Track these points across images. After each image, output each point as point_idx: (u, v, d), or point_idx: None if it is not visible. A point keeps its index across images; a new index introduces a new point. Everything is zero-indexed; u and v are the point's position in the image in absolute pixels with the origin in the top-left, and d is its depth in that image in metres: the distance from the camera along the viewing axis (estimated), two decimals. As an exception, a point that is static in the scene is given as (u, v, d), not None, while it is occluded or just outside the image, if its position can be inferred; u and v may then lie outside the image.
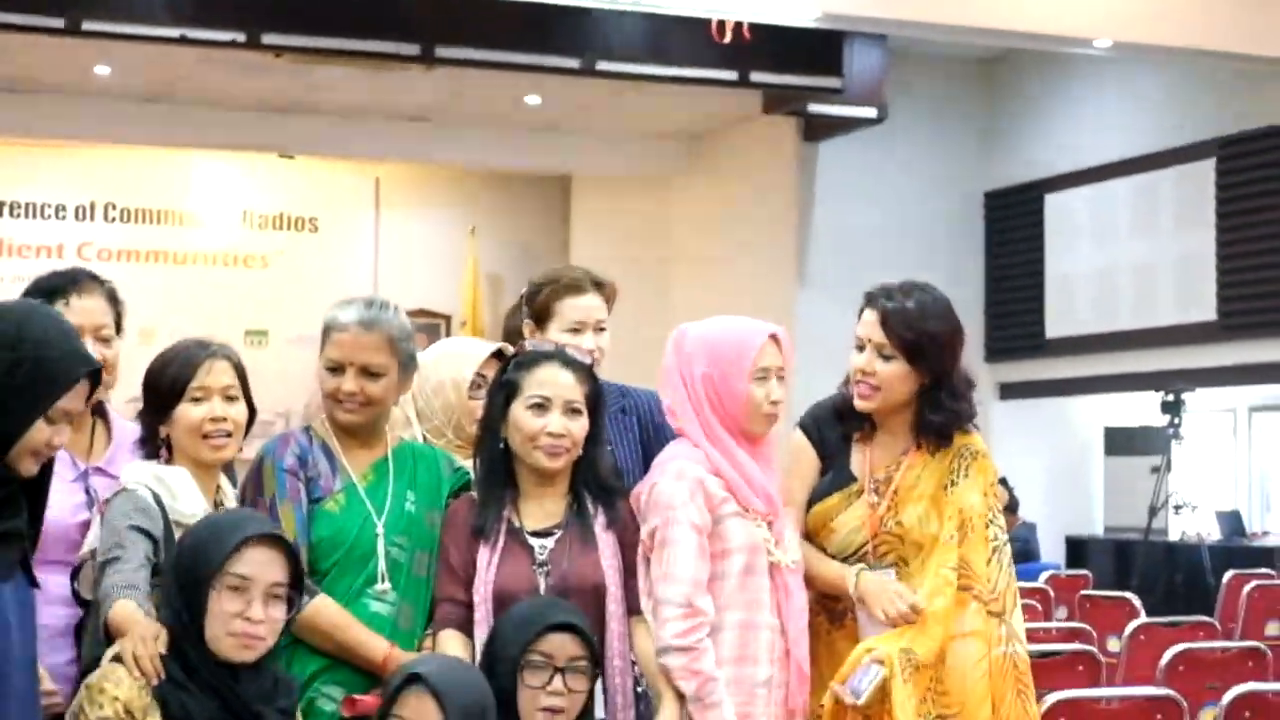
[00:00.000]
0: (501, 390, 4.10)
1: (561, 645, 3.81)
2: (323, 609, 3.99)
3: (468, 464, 4.29)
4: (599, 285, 4.68)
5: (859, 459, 4.33)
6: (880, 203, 14.46)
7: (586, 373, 4.14)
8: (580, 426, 4.07)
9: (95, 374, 3.30)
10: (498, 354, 4.51)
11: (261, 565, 3.54)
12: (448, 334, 14.97)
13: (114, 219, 15.40)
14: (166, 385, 3.94)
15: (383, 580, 4.08)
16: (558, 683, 3.80)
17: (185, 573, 3.52)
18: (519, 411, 4.06)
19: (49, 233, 15.09)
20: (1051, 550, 13.96)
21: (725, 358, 4.14)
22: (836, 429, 4.37)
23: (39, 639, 3.74)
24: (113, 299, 4.15)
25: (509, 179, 16.37)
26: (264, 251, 15.86)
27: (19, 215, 15.33)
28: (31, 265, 14.03)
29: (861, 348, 4.26)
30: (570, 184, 16.41)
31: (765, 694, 4.07)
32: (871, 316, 4.25)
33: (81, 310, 4.06)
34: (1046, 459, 14.38)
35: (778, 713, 4.10)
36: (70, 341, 3.29)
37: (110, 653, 3.52)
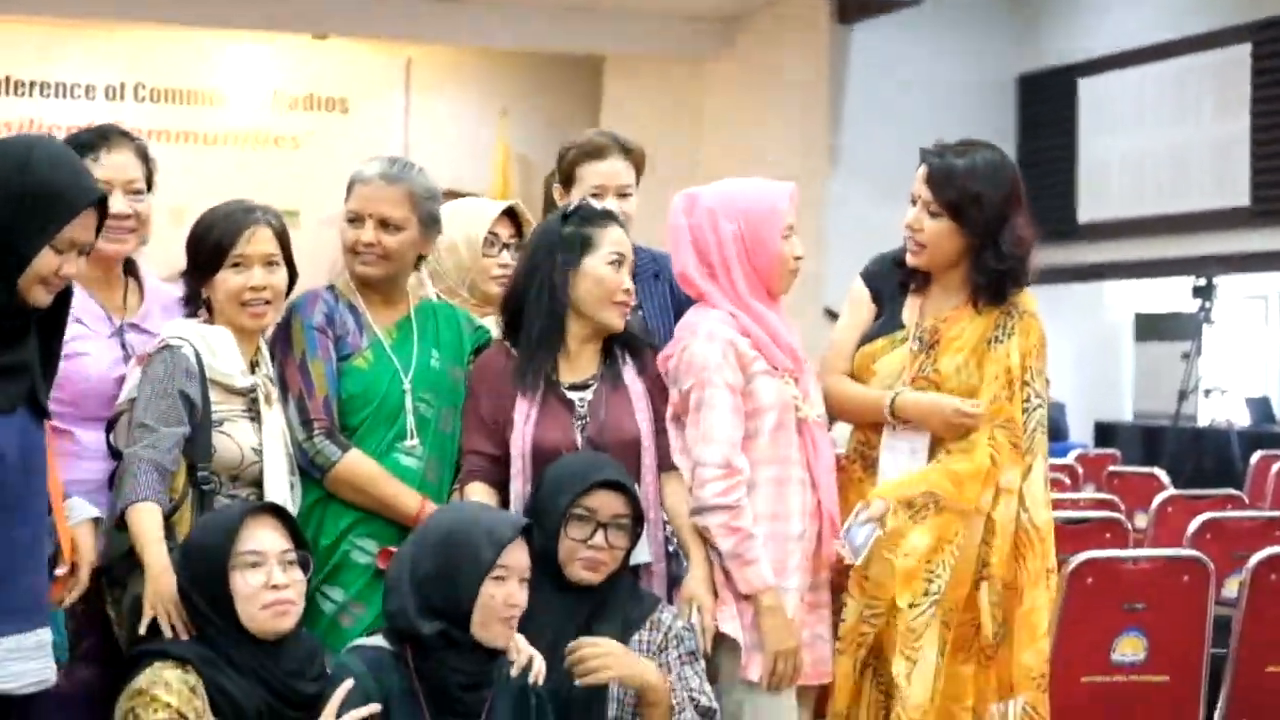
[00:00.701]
0: (561, 246, 4.10)
1: (607, 502, 3.88)
2: (356, 463, 4.05)
3: (486, 322, 4.32)
4: (625, 150, 4.67)
5: (911, 308, 4.35)
6: (912, 86, 14.35)
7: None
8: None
9: (102, 206, 3.32)
10: (509, 212, 4.53)
11: (267, 537, 3.59)
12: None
13: (144, 99, 15.40)
14: (209, 249, 3.96)
15: (411, 436, 4.12)
16: (600, 538, 3.87)
17: (202, 572, 3.56)
18: (600, 266, 4.09)
19: (79, 112, 15.06)
20: (1080, 435, 13.96)
21: (757, 215, 4.16)
22: (895, 279, 4.39)
23: (80, 493, 3.82)
24: (143, 155, 4.14)
25: (540, 60, 16.29)
26: (294, 132, 15.86)
27: (49, 95, 15.35)
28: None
29: (914, 203, 4.26)
30: (602, 65, 16.32)
31: (798, 547, 4.13)
32: (921, 172, 4.26)
33: (112, 165, 4.06)
34: (1076, 344, 14.35)
35: (809, 565, 4.16)
36: (76, 171, 3.33)
37: (146, 618, 3.59)
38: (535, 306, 4.10)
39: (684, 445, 4.12)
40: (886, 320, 4.38)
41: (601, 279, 4.08)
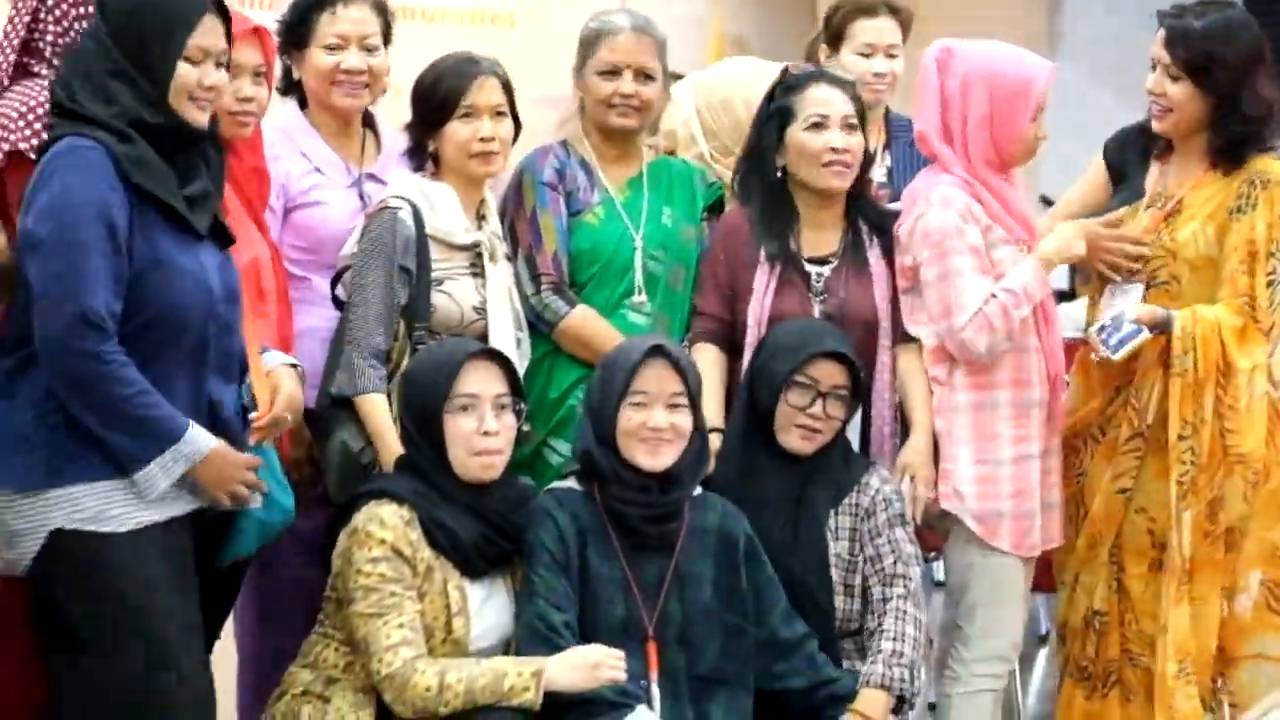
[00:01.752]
0: (773, 118, 4.09)
1: (829, 372, 3.87)
2: (583, 318, 4.07)
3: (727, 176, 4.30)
4: (893, 10, 4.71)
5: (1153, 176, 4.26)
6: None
7: (853, 91, 4.12)
8: (858, 142, 4.07)
9: (223, 11, 3.37)
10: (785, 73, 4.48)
11: (483, 381, 3.61)
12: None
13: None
14: (437, 101, 3.96)
15: (640, 292, 4.13)
16: (818, 407, 3.86)
17: (418, 410, 3.62)
18: (798, 133, 4.04)
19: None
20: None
21: (1011, 91, 4.06)
22: (1138, 148, 4.31)
23: (313, 340, 3.91)
24: (379, 9, 4.17)
25: (755, -61, 16.13)
26: (511, 10, 15.88)
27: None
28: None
29: (1154, 68, 4.17)
30: (818, -54, 16.13)
31: (1039, 414, 4.09)
32: (1160, 35, 4.15)
33: (347, 19, 4.09)
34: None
35: (1044, 432, 4.12)
36: None
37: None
38: (755, 179, 4.11)
39: (915, 315, 4.09)
40: (1129, 188, 4.30)
41: (801, 146, 4.04)
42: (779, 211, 4.08)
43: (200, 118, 3.34)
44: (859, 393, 3.94)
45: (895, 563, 3.87)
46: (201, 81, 3.31)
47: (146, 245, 3.22)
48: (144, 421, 3.18)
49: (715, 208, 4.29)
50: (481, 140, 3.94)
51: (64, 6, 3.45)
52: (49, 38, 3.48)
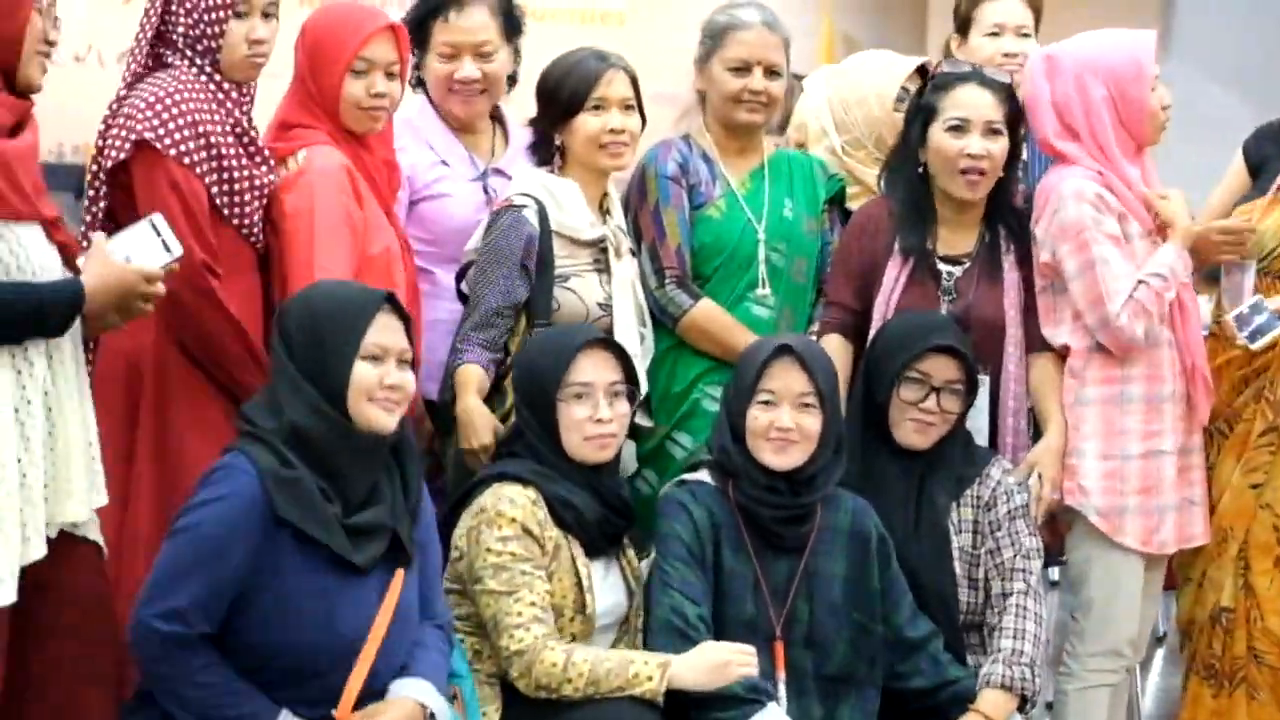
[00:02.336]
0: (919, 114, 4.07)
1: (942, 366, 3.85)
2: (707, 312, 4.08)
3: (870, 176, 4.30)
4: None
5: None
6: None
7: (1006, 92, 4.07)
8: (1000, 148, 4.02)
9: (400, 312, 3.27)
10: (920, 70, 4.43)
11: (598, 369, 3.62)
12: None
13: (476, -25, 15.62)
14: (566, 95, 3.97)
15: (763, 285, 4.14)
16: (931, 401, 3.85)
17: (531, 395, 3.63)
18: (938, 134, 4.02)
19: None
20: None
21: (1125, 73, 4.03)
22: (1277, 143, 4.34)
23: (436, 332, 3.95)
24: (497, 10, 4.18)
25: (866, -61, 16.08)
26: (620, 9, 15.95)
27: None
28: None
29: None
30: (929, -57, 16.06)
31: (1172, 409, 4.05)
32: None
33: (460, 28, 4.12)
34: None
35: (1182, 427, 4.08)
36: None
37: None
38: (901, 175, 4.10)
39: (1051, 315, 4.07)
40: (1267, 180, 4.28)
41: (940, 148, 4.01)
42: (919, 208, 4.06)
43: (384, 420, 3.19)
44: (973, 388, 3.92)
45: (1015, 556, 3.85)
46: (382, 380, 3.18)
47: (269, 571, 3.08)
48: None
49: (836, 199, 4.29)
50: (611, 132, 3.96)
51: None
52: (180, 28, 3.57)
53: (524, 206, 3.89)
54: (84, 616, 3.16)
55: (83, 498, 3.12)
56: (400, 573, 3.22)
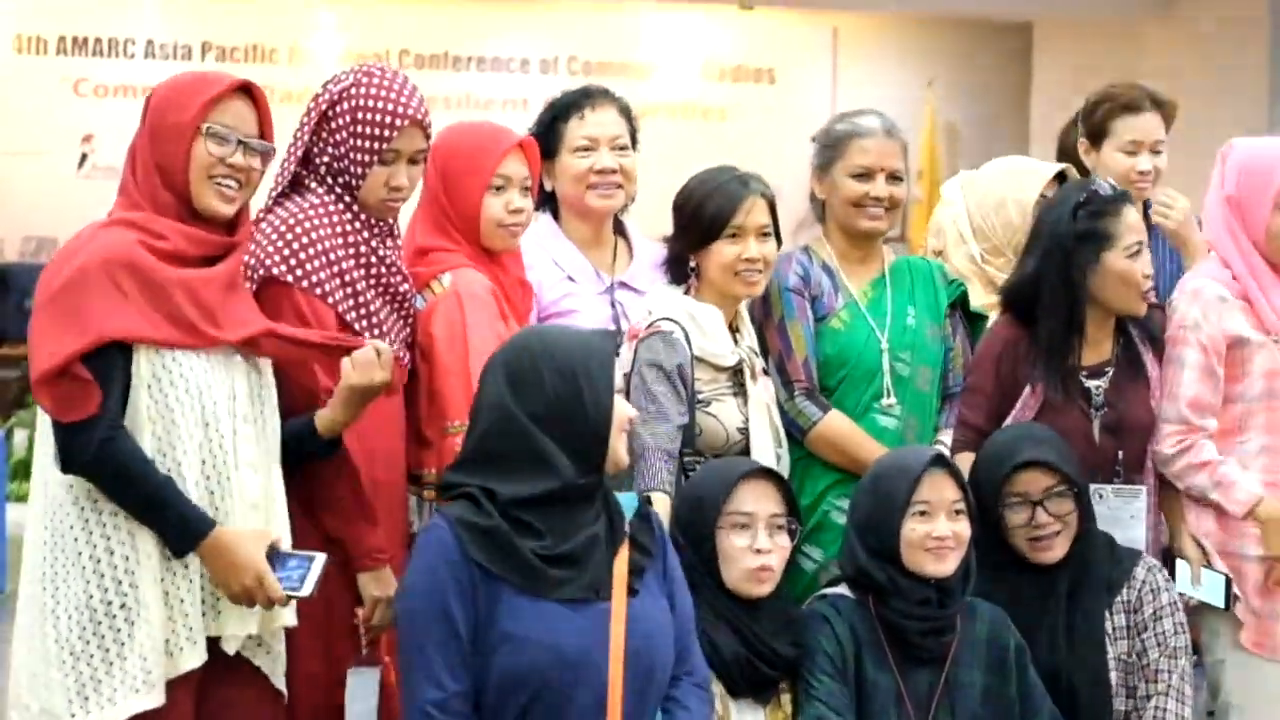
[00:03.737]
0: (1077, 243, 3.99)
1: (1035, 479, 3.83)
2: (835, 423, 4.07)
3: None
4: (1158, 104, 4.64)
5: None
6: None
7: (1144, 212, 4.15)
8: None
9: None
10: (1059, 176, 4.43)
11: (759, 499, 3.62)
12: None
13: (577, 72, 15.71)
14: (707, 220, 3.95)
15: (889, 395, 4.12)
16: (1041, 515, 3.83)
17: (690, 524, 3.63)
18: (1119, 262, 3.99)
19: (514, 86, 15.49)
20: None
21: (1252, 186, 4.06)
22: None
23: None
24: (625, 113, 4.26)
25: (968, 27, 16.08)
26: (722, 104, 16.01)
27: (485, 70, 15.80)
28: (497, 119, 14.42)
29: None
30: (1031, 31, 16.01)
31: None
32: None
33: (595, 123, 4.20)
34: None
35: None
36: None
37: None
38: (1051, 304, 4.02)
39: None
40: None
41: (1124, 275, 4.00)
42: (1073, 331, 4.03)
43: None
44: (1074, 483, 3.85)
45: (1160, 658, 3.83)
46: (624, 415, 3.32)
47: (489, 621, 3.17)
48: None
49: (958, 302, 4.28)
50: (747, 260, 3.95)
51: (345, 131, 3.56)
52: (326, 158, 3.60)
53: (671, 331, 3.89)
54: None
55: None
56: (621, 599, 3.23)
